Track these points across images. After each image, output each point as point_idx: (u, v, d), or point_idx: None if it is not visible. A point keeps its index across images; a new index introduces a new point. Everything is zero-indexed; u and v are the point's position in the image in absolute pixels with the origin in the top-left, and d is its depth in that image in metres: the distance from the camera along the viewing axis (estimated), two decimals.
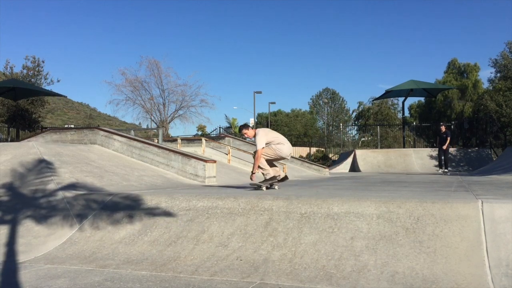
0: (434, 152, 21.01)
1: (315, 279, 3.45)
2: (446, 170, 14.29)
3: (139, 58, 68.31)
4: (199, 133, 35.93)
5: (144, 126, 34.20)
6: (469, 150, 21.37)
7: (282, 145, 6.64)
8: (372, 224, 4.03)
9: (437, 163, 20.11)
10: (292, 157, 17.84)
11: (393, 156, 20.93)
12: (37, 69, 24.73)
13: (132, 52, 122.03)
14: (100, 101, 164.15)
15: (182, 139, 15.80)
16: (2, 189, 6.22)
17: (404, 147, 24.09)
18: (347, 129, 38.84)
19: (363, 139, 36.25)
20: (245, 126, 6.84)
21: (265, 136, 6.62)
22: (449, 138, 14.35)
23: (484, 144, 24.33)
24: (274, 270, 3.65)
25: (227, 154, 14.01)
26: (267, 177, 6.58)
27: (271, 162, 6.80)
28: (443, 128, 14.68)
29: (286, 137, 6.95)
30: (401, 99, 28.94)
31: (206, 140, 14.96)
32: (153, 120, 30.22)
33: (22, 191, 6.11)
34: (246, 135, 6.78)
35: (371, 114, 44.17)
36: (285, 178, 6.91)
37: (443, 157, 14.74)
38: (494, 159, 19.99)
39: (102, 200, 5.52)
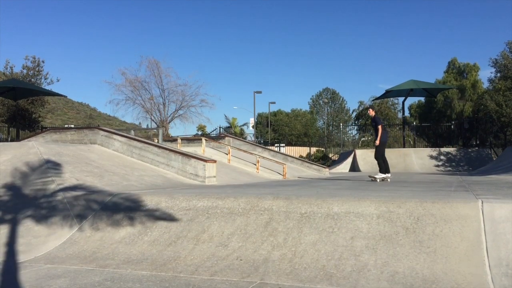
0: (434, 152, 21.04)
1: (315, 279, 3.45)
2: (375, 177, 9.78)
3: (139, 58, 68.08)
4: (199, 133, 35.92)
5: (144, 126, 34.19)
6: (469, 150, 21.38)
7: None
8: (372, 224, 4.03)
9: (437, 162, 20.19)
10: (292, 157, 17.88)
11: (393, 156, 20.91)
12: (37, 69, 24.70)
13: (132, 52, 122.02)
14: (100, 101, 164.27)
15: (182, 139, 15.80)
16: (3, 189, 6.22)
17: (404, 147, 24.10)
18: (347, 129, 38.85)
19: (363, 138, 36.24)
20: None
21: None
22: (379, 128, 9.60)
23: (484, 144, 24.35)
24: (274, 270, 3.65)
25: (227, 154, 14.01)
26: None
27: None
28: (371, 112, 10.20)
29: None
30: (401, 99, 28.94)
31: (206, 140, 14.96)
32: (153, 120, 30.21)
33: (22, 191, 6.11)
34: None
35: None
36: None
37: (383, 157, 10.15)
38: (494, 159, 20.00)
39: (102, 200, 5.52)
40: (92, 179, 6.92)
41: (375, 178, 9.78)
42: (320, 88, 76.53)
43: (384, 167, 9.80)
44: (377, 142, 9.67)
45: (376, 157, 9.84)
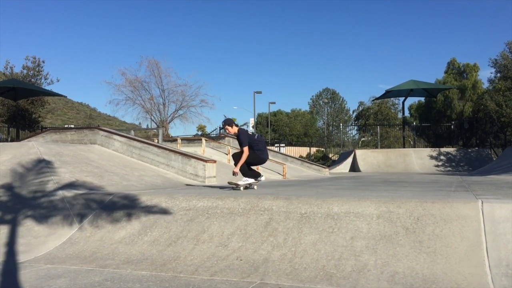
0: (434, 152, 21.02)
1: (315, 279, 3.45)
2: (238, 184, 6.83)
3: (139, 58, 68.35)
4: (199, 133, 35.95)
5: (144, 126, 34.21)
6: (469, 150, 21.38)
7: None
8: (372, 224, 4.03)
9: (437, 162, 20.19)
10: (292, 157, 17.89)
11: (393, 156, 20.95)
12: (37, 69, 24.72)
13: (132, 52, 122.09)
14: (100, 101, 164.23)
15: (182, 139, 15.80)
16: (2, 189, 6.22)
17: (404, 147, 24.10)
18: (347, 129, 38.86)
19: (363, 139, 36.26)
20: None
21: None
22: (245, 150, 6.87)
23: (484, 144, 24.35)
24: (274, 270, 3.65)
25: (227, 154, 14.00)
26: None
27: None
28: (230, 130, 7.12)
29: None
30: (401, 99, 28.95)
31: (206, 140, 14.96)
32: (153, 120, 30.25)
33: (22, 191, 6.11)
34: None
35: (371, 114, 44.22)
36: None
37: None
38: (494, 159, 20.00)
39: (102, 200, 5.52)
40: (92, 179, 6.92)
41: (237, 185, 6.88)
42: (320, 88, 76.53)
43: (250, 171, 7.13)
44: (236, 169, 6.83)
45: (247, 161, 6.98)
